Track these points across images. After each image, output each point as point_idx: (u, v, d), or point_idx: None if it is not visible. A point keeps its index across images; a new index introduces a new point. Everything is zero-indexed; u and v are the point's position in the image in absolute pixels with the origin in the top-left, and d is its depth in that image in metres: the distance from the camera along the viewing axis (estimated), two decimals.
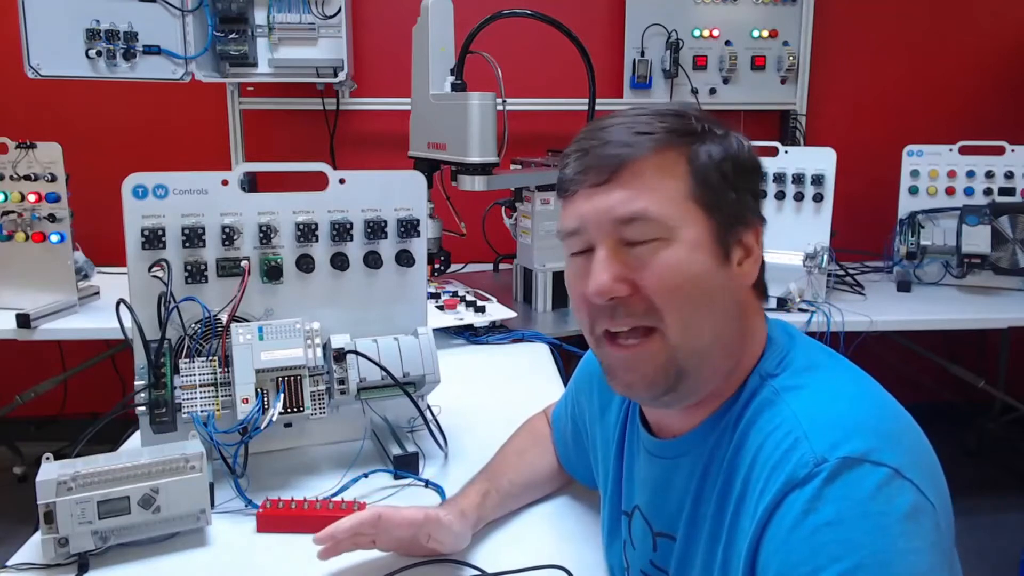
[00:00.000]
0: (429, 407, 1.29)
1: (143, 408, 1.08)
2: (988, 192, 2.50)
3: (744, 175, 0.76)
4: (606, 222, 0.73)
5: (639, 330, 0.74)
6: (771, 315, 0.83)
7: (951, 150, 2.53)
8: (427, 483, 1.15)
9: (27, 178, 2.04)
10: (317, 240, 1.21)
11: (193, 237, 1.14)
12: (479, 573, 0.93)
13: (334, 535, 0.90)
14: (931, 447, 0.69)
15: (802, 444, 0.65)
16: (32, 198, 2.05)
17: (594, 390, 1.00)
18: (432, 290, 2.08)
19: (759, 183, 0.80)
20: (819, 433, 0.65)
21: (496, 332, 1.89)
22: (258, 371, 1.10)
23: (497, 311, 1.93)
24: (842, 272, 2.48)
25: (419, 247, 1.27)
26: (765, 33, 2.81)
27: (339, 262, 1.23)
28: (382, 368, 1.17)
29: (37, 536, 0.94)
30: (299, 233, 1.20)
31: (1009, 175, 2.48)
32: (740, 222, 0.75)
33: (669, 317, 0.72)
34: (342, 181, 1.22)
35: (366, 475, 1.16)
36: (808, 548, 0.62)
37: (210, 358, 1.11)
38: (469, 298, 2.00)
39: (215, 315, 1.14)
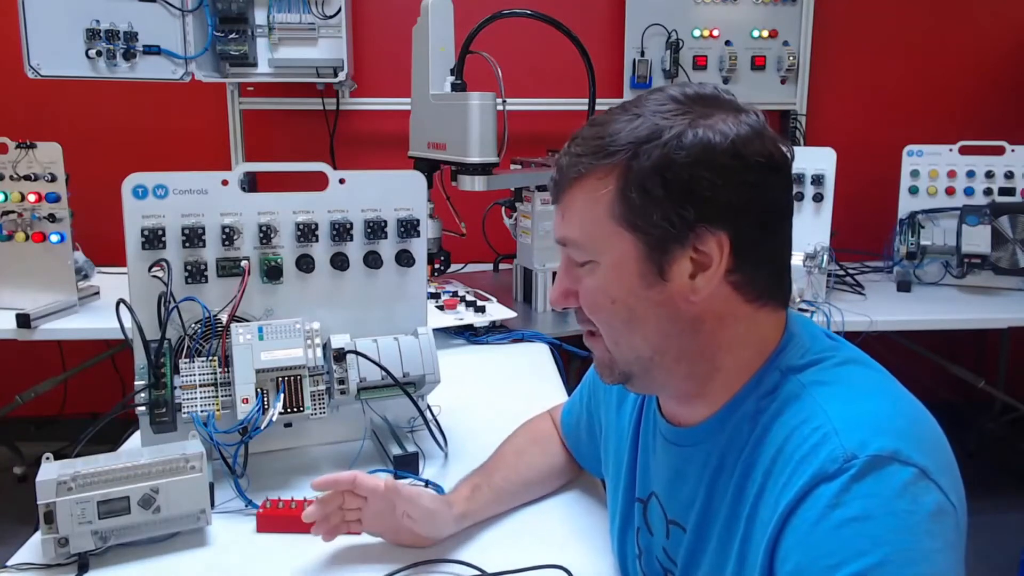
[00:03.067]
0: (429, 407, 1.29)
1: (143, 408, 1.08)
2: (988, 192, 2.50)
3: (698, 181, 0.69)
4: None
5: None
6: None
7: (951, 150, 2.53)
8: (427, 483, 1.15)
9: (27, 178, 2.04)
10: (317, 240, 1.21)
11: (193, 237, 1.13)
12: (479, 573, 0.93)
13: (317, 508, 0.94)
14: (950, 447, 0.69)
15: (832, 439, 0.65)
16: (32, 198, 2.05)
17: None
18: (432, 290, 2.08)
19: (735, 184, 0.70)
20: (849, 429, 0.66)
21: (496, 332, 1.89)
22: (258, 371, 1.10)
23: (497, 311, 1.93)
24: (842, 272, 2.47)
25: (419, 247, 1.27)
26: (765, 33, 2.81)
27: (339, 262, 1.23)
28: (382, 368, 1.17)
29: (37, 536, 0.94)
30: (299, 233, 1.20)
31: (1009, 175, 2.49)
32: (679, 238, 0.71)
33: (601, 331, 0.79)
34: (342, 181, 1.22)
35: None
36: (833, 542, 0.62)
37: (210, 358, 1.11)
38: (469, 298, 2.00)
39: (215, 315, 1.14)
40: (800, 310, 2.12)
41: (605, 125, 0.74)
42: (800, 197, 2.28)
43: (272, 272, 1.19)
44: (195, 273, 1.14)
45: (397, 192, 1.25)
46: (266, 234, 1.18)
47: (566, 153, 0.76)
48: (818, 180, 2.24)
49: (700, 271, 0.72)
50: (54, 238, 2.07)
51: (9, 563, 0.95)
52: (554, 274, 2.10)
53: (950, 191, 2.51)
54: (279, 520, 1.02)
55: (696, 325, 0.74)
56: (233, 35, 2.46)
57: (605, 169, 0.72)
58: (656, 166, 0.70)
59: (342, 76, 2.50)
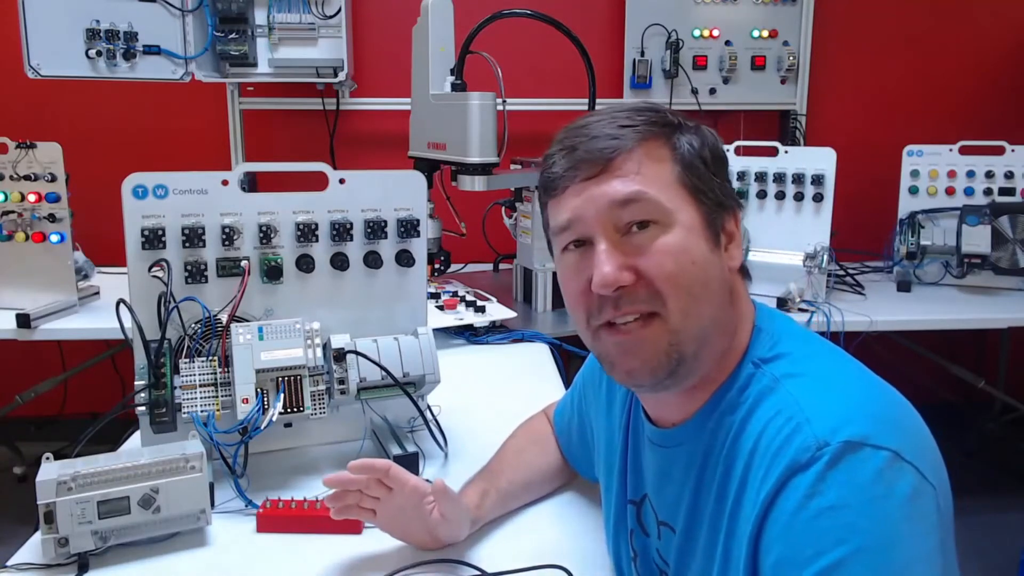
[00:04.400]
0: (429, 407, 1.29)
1: (143, 408, 1.08)
2: (988, 192, 2.49)
3: (720, 163, 0.79)
4: (603, 208, 0.75)
5: (640, 317, 0.75)
6: None
7: (951, 150, 2.52)
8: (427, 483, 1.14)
9: (27, 178, 2.04)
10: (317, 240, 1.21)
11: (193, 237, 1.14)
12: (479, 573, 0.93)
13: (346, 478, 0.92)
14: (927, 428, 0.70)
15: (804, 429, 0.66)
16: (32, 198, 2.05)
17: (603, 383, 1.01)
18: (432, 290, 2.08)
19: (728, 172, 0.82)
20: (820, 418, 0.66)
21: (496, 332, 1.89)
22: (258, 371, 1.10)
23: (497, 311, 1.93)
24: (842, 272, 2.47)
25: (419, 247, 1.27)
26: (765, 33, 2.81)
27: (339, 262, 1.23)
28: (382, 368, 1.17)
29: (37, 536, 0.94)
30: (299, 233, 1.20)
31: (1009, 175, 2.48)
32: (723, 207, 0.78)
33: (671, 302, 0.73)
34: (342, 181, 1.22)
35: None
36: (811, 532, 0.62)
37: (210, 358, 1.11)
38: (469, 298, 2.00)
39: (215, 315, 1.14)
40: (800, 310, 2.12)
41: (633, 109, 0.79)
42: (800, 197, 2.28)
43: (272, 272, 1.19)
44: (195, 273, 1.14)
45: (397, 192, 1.25)
46: (266, 234, 1.18)
47: (611, 123, 0.77)
48: (818, 180, 2.24)
49: (730, 242, 0.79)
50: (54, 238, 2.07)
51: (9, 563, 0.95)
52: (554, 274, 2.10)
53: (950, 191, 2.51)
54: (279, 520, 1.02)
55: (731, 298, 0.78)
56: (233, 35, 2.46)
57: (663, 138, 0.77)
58: (703, 144, 0.78)
59: (342, 76, 2.50)
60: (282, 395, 1.10)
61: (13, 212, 2.06)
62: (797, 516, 0.63)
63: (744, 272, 0.82)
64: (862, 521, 0.61)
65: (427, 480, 1.15)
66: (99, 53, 2.29)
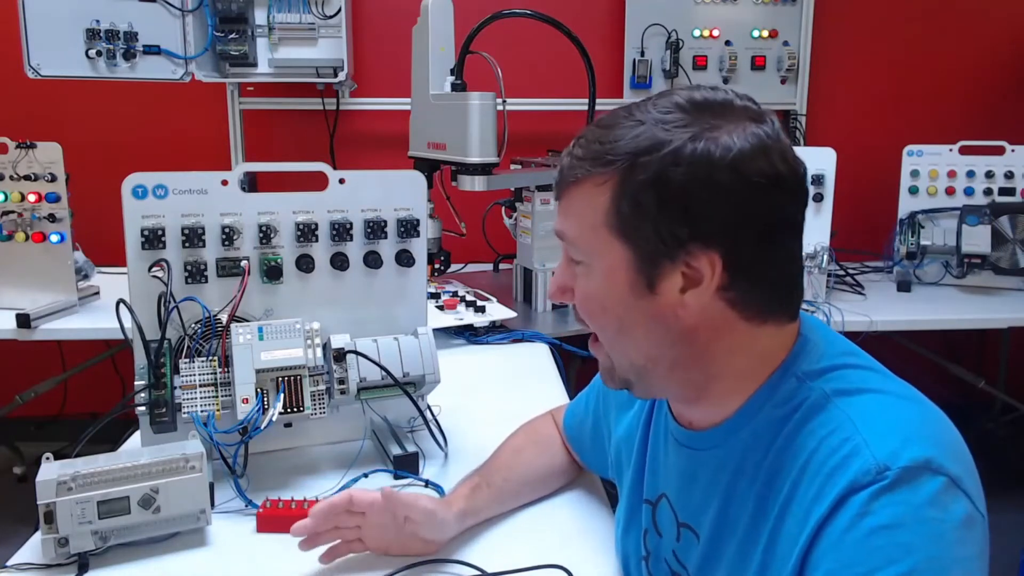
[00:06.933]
0: (429, 407, 1.29)
1: (143, 408, 1.08)
2: (988, 192, 2.50)
3: (693, 199, 0.67)
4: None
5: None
6: None
7: (951, 150, 2.53)
8: (427, 483, 1.15)
9: (27, 178, 2.04)
10: (317, 240, 1.21)
11: (193, 237, 1.14)
12: (479, 573, 0.93)
13: (312, 526, 0.92)
14: (970, 452, 0.69)
15: (863, 451, 0.65)
16: (32, 198, 2.05)
17: None
18: (432, 290, 2.08)
19: (732, 203, 0.68)
20: (879, 440, 0.65)
21: (496, 332, 1.89)
22: (258, 371, 1.10)
23: (497, 311, 1.93)
24: (842, 272, 2.48)
25: (419, 247, 1.27)
26: (765, 33, 2.81)
27: (339, 262, 1.23)
28: (382, 368, 1.17)
29: (37, 536, 0.94)
30: (299, 233, 1.20)
31: (1009, 175, 2.49)
32: (669, 254, 0.69)
33: (598, 336, 0.79)
34: (342, 181, 1.22)
35: (366, 475, 1.16)
36: (863, 550, 0.62)
37: (210, 358, 1.11)
38: (469, 298, 2.00)
39: (215, 315, 1.14)
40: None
41: (608, 130, 0.72)
42: None
43: (272, 272, 1.19)
44: (195, 273, 1.14)
45: (397, 192, 1.25)
46: (266, 234, 1.18)
47: (568, 154, 0.75)
48: (818, 180, 2.24)
49: (691, 287, 0.70)
50: (54, 238, 2.07)
51: (9, 563, 0.95)
52: (554, 273, 2.10)
53: (950, 191, 2.52)
54: (279, 520, 1.02)
55: (689, 337, 0.73)
56: (233, 35, 2.46)
57: (602, 176, 0.71)
58: (651, 180, 0.68)
59: (342, 76, 2.50)
60: (282, 395, 1.10)
61: (13, 212, 2.06)
62: (849, 534, 0.63)
63: (763, 304, 0.73)
64: (917, 541, 0.61)
65: (424, 481, 1.15)
66: (99, 53, 2.29)
